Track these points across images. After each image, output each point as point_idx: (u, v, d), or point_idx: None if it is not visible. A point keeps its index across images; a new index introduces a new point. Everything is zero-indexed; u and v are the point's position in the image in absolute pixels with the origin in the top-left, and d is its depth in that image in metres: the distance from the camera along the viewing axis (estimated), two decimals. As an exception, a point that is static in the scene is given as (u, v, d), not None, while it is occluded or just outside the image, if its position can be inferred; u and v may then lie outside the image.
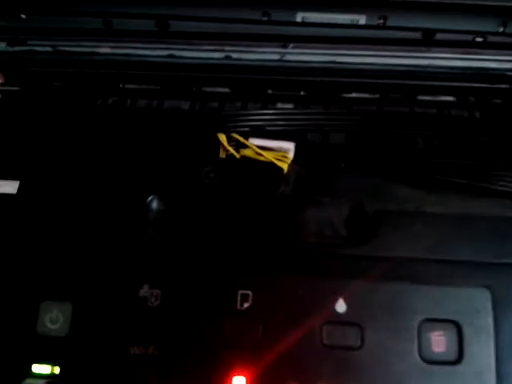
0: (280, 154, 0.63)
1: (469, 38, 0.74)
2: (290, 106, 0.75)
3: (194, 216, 0.62)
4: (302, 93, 0.76)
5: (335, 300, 0.56)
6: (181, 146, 0.66)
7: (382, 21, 0.73)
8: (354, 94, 0.76)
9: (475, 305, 0.55)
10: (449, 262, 0.57)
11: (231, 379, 0.54)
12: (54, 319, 0.57)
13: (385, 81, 0.74)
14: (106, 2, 0.75)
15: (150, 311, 0.56)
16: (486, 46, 0.74)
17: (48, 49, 0.77)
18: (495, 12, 0.71)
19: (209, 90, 0.78)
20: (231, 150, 0.64)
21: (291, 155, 0.63)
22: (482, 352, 0.54)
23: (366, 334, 0.55)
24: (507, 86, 0.74)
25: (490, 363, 0.54)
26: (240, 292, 0.56)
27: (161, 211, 0.63)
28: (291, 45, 0.76)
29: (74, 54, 0.77)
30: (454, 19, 0.73)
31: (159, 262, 0.58)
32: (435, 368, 0.54)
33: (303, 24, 0.75)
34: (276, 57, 0.76)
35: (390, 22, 0.74)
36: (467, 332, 0.54)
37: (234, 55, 0.76)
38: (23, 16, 0.77)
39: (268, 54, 0.76)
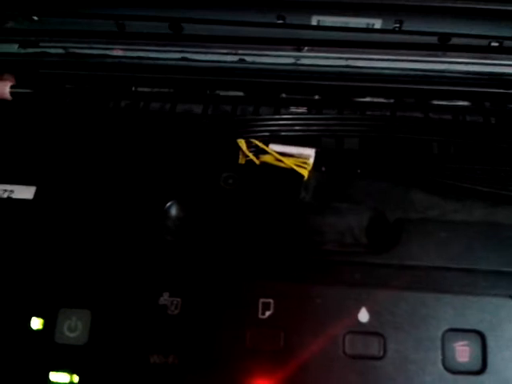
0: (300, 160, 0.63)
1: (485, 42, 0.74)
2: (303, 110, 0.74)
3: (213, 222, 0.61)
4: (316, 97, 0.74)
5: (358, 309, 0.55)
6: (199, 152, 0.65)
7: (397, 25, 0.73)
8: (368, 99, 0.74)
9: (499, 314, 0.55)
10: (473, 270, 0.56)
11: (253, 389, 0.53)
12: (73, 327, 0.56)
13: (399, 85, 0.73)
14: (118, 4, 0.74)
15: (170, 319, 0.55)
16: (502, 51, 0.73)
17: (60, 51, 0.77)
18: (511, 17, 0.70)
19: (222, 93, 0.77)
20: (251, 155, 0.63)
21: (311, 161, 0.63)
22: (506, 362, 0.54)
23: (389, 343, 0.54)
24: (523, 92, 0.73)
25: None
26: (261, 300, 0.56)
27: (180, 217, 0.62)
28: (306, 48, 0.75)
29: (87, 56, 0.77)
30: (470, 24, 0.73)
31: (179, 269, 0.57)
32: (459, 378, 0.53)
33: (318, 27, 0.75)
34: (290, 60, 0.76)
35: (405, 27, 0.74)
36: (491, 342, 0.54)
37: (248, 58, 0.75)
38: (35, 18, 0.76)
39: (282, 58, 0.76)
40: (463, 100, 0.76)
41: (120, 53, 0.76)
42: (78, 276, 0.58)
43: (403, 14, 0.73)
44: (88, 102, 0.77)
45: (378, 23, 0.73)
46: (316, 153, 0.64)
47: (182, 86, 0.77)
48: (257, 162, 0.64)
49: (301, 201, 0.62)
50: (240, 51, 0.76)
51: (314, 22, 0.75)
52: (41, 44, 0.77)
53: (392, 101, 0.75)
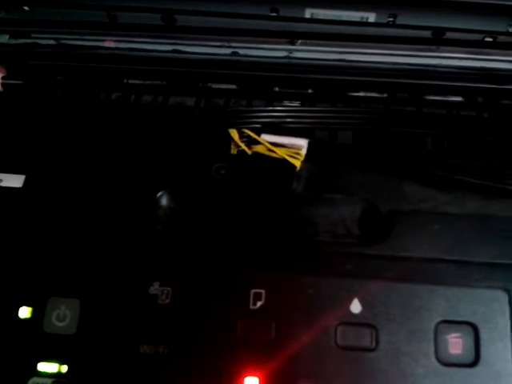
0: (293, 150, 0.62)
1: (478, 37, 0.73)
2: (296, 104, 0.73)
3: (204, 213, 0.61)
4: (309, 91, 0.74)
5: (350, 300, 0.55)
6: (191, 142, 0.64)
7: (391, 19, 0.72)
8: (361, 93, 0.74)
9: (492, 307, 0.54)
10: (466, 263, 0.56)
11: (243, 380, 0.53)
12: (62, 316, 0.55)
13: (393, 80, 0.73)
14: (110, -6, 0.73)
15: (161, 309, 0.55)
16: (496, 46, 0.73)
17: (51, 42, 0.76)
18: (505, 12, 0.70)
19: (214, 86, 0.76)
20: (243, 146, 0.63)
21: (304, 152, 0.62)
22: (499, 354, 0.53)
23: (381, 335, 0.54)
24: (516, 87, 0.72)
25: (507, 366, 0.53)
26: (253, 291, 0.55)
27: (170, 207, 0.62)
28: (299, 41, 0.75)
29: (78, 47, 0.76)
30: (464, 18, 0.72)
31: (170, 259, 0.57)
32: (451, 370, 0.53)
33: (312, 20, 0.74)
34: (283, 54, 0.75)
35: (399, 20, 0.73)
36: (484, 334, 0.54)
37: (241, 51, 0.75)
38: (26, 8, 0.75)
39: (275, 51, 0.75)
40: (456, 95, 0.74)
41: (112, 44, 0.76)
42: (67, 265, 0.57)
43: (397, 7, 0.72)
44: (79, 93, 0.75)
45: (371, 17, 0.73)
46: (309, 144, 0.63)
47: (175, 78, 0.76)
48: (249, 152, 0.64)
49: (293, 191, 0.62)
50: (233, 44, 0.75)
51: (307, 15, 0.74)
52: (32, 35, 0.76)
53: (385, 95, 0.74)
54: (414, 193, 0.61)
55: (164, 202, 0.61)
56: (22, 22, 0.76)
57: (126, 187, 0.61)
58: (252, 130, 0.65)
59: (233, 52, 0.75)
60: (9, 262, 0.57)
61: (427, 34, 0.74)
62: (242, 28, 0.74)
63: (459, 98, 0.74)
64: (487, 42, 0.73)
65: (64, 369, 0.54)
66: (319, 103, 0.73)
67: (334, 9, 0.73)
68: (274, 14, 0.74)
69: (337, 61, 0.75)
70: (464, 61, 0.74)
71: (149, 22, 0.75)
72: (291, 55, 0.75)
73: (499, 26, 0.72)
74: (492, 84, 0.73)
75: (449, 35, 0.73)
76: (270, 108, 0.69)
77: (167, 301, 0.55)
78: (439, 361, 0.53)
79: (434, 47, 0.74)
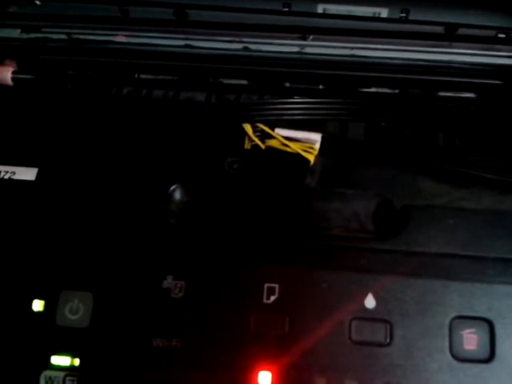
0: (306, 145, 0.62)
1: (491, 33, 0.73)
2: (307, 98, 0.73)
3: (217, 207, 0.61)
4: (320, 86, 0.73)
5: (364, 295, 0.54)
6: (205, 136, 0.64)
7: (404, 14, 0.72)
8: (373, 89, 0.74)
9: (508, 302, 0.54)
10: (480, 258, 0.56)
11: (257, 374, 0.53)
12: (75, 310, 0.55)
13: (405, 76, 0.72)
14: (123, -11, 0.73)
15: (174, 303, 0.55)
16: (509, 43, 0.73)
17: (62, 36, 0.76)
18: (519, 8, 0.69)
19: (225, 81, 0.76)
20: (256, 140, 0.63)
21: (318, 146, 0.62)
22: None
23: (396, 330, 0.53)
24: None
25: None
26: (266, 285, 0.55)
27: (184, 201, 0.61)
28: (311, 37, 0.74)
29: (89, 42, 0.76)
30: (477, 14, 0.72)
31: (184, 252, 0.56)
32: (466, 366, 0.52)
33: (324, 16, 0.74)
34: (295, 49, 0.74)
35: (412, 16, 0.73)
36: (500, 330, 0.53)
37: (253, 46, 0.74)
38: (38, 2, 0.76)
39: (287, 46, 0.75)
40: (469, 91, 0.74)
41: (123, 39, 0.75)
42: (80, 258, 0.57)
43: (410, 3, 0.72)
44: (90, 88, 0.75)
45: (384, 12, 0.73)
46: (322, 138, 0.63)
47: (186, 73, 0.76)
48: (262, 146, 0.63)
49: (306, 186, 0.61)
50: (244, 39, 0.75)
51: (319, 10, 0.74)
52: (43, 29, 0.76)
53: (397, 91, 0.74)
54: (429, 188, 0.60)
55: (177, 195, 0.61)
56: (34, 16, 0.76)
57: (140, 181, 0.60)
58: (265, 124, 0.64)
59: (244, 47, 0.74)
60: (22, 255, 0.57)
61: (440, 29, 0.73)
62: (254, 23, 0.74)
63: (472, 95, 0.73)
64: (500, 38, 0.72)
65: (77, 362, 0.54)
66: (331, 99, 0.72)
67: (347, 4, 0.73)
68: (286, 9, 0.74)
69: (349, 56, 0.74)
70: (477, 57, 0.73)
71: (161, 16, 0.74)
72: (303, 50, 0.74)
73: (512, 22, 0.71)
74: (505, 80, 0.72)
75: (461, 31, 0.73)
76: (284, 100, 0.68)
77: (180, 294, 0.55)
78: (454, 356, 0.53)
79: (446, 43, 0.74)
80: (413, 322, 0.54)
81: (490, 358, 0.53)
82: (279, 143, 0.63)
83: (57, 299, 0.56)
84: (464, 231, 0.57)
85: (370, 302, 0.55)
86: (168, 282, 0.56)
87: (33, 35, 0.76)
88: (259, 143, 0.63)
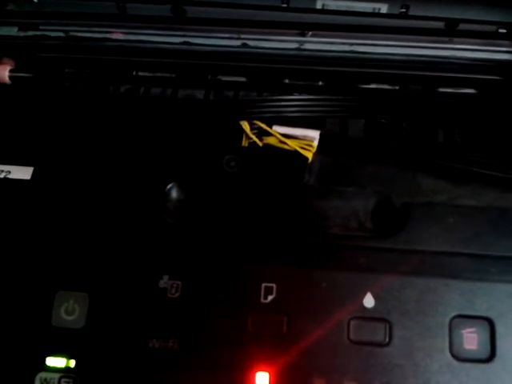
0: (304, 142, 0.61)
1: (492, 28, 0.72)
2: (306, 95, 0.72)
3: (215, 205, 0.60)
4: (319, 83, 0.73)
5: (363, 294, 0.54)
6: (201, 134, 0.64)
7: (404, 10, 0.71)
8: (372, 85, 0.73)
9: (509, 301, 0.53)
10: (482, 256, 0.55)
11: (254, 375, 0.52)
12: (70, 310, 0.54)
13: (405, 72, 0.72)
14: (120, -15, 0.72)
15: (170, 303, 0.54)
16: (510, 38, 0.72)
17: (60, 34, 0.76)
18: (520, 2, 0.68)
19: (224, 78, 0.75)
20: (254, 137, 0.62)
21: (316, 144, 0.61)
22: None
23: (395, 330, 0.53)
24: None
25: None
26: (264, 284, 0.54)
27: (180, 200, 0.61)
28: (310, 33, 0.74)
29: (87, 39, 0.75)
30: (478, 9, 0.72)
31: (180, 252, 0.56)
32: (467, 366, 0.52)
33: (323, 11, 0.73)
34: (294, 45, 0.74)
35: (412, 11, 0.72)
36: (500, 329, 0.53)
37: (251, 43, 0.74)
38: (35, 0, 0.74)
39: (286, 43, 0.74)
40: (470, 87, 0.73)
41: (121, 36, 0.75)
42: (75, 258, 0.56)
43: (409, -2, 0.70)
44: (88, 86, 0.75)
45: (383, 7, 0.72)
46: (320, 135, 0.62)
47: (184, 70, 0.75)
48: (260, 144, 0.63)
49: (305, 184, 0.61)
50: (243, 35, 0.74)
51: (318, 6, 0.73)
52: (41, 27, 0.76)
53: (397, 88, 0.73)
54: (429, 185, 0.60)
55: (174, 194, 0.60)
56: (31, 13, 0.75)
57: (136, 179, 0.60)
58: (263, 121, 0.63)
59: (243, 44, 0.74)
60: (17, 255, 0.56)
61: (440, 25, 0.73)
62: (253, 19, 0.73)
63: (472, 90, 0.72)
64: (501, 33, 0.71)
65: (72, 363, 0.53)
66: (329, 96, 0.71)
67: (346, -1, 0.71)
68: (284, 5, 0.73)
69: (348, 52, 0.73)
70: (477, 52, 0.73)
71: (158, 13, 0.73)
72: (302, 47, 0.74)
73: (513, 17, 0.70)
74: (505, 76, 0.71)
75: (462, 26, 0.72)
76: (281, 97, 0.68)
77: (177, 294, 0.54)
78: (454, 356, 0.52)
79: (446, 39, 0.73)
80: (412, 322, 0.53)
81: (490, 357, 0.52)
82: (277, 140, 0.62)
83: (52, 300, 0.55)
84: (465, 229, 0.57)
85: (368, 301, 0.54)
86: (164, 281, 0.55)
87: (30, 33, 0.76)
88: (257, 141, 0.62)
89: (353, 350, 0.53)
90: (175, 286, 0.55)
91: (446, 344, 0.52)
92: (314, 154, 0.61)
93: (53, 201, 0.59)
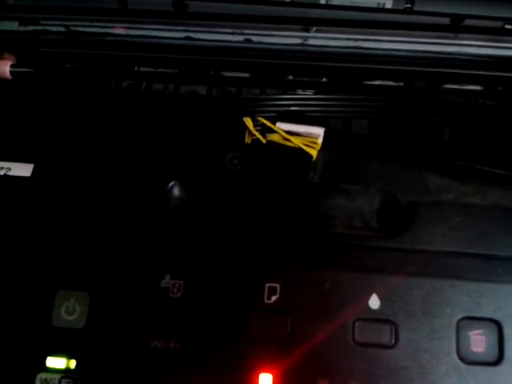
0: (309, 139, 0.61)
1: (498, 24, 0.71)
2: (310, 92, 0.72)
3: (217, 204, 0.59)
4: (323, 79, 0.72)
5: (368, 295, 0.53)
6: (204, 131, 0.63)
7: (409, 5, 0.70)
8: (377, 82, 0.72)
9: None
10: (489, 256, 0.54)
11: (257, 376, 0.51)
12: (71, 310, 0.54)
13: (410, 68, 0.71)
14: (121, -21, 0.71)
15: (172, 303, 0.53)
16: (517, 34, 0.70)
17: (61, 29, 0.75)
18: (527, -2, 0.67)
19: (227, 74, 0.75)
20: (257, 134, 0.61)
21: (320, 141, 0.61)
22: None
23: (401, 331, 0.52)
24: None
25: None
26: (267, 285, 0.53)
27: (182, 198, 0.60)
28: (314, 28, 0.73)
29: (88, 34, 0.74)
30: (484, 5, 0.71)
31: (182, 251, 0.55)
32: (474, 369, 0.51)
33: (327, 6, 0.73)
34: (298, 41, 0.73)
35: (417, 7, 0.71)
36: (508, 331, 0.52)
37: (254, 38, 0.73)
38: (35, -7, 0.73)
39: (290, 38, 0.73)
40: (475, 84, 0.73)
41: (122, 31, 0.74)
42: (76, 257, 0.55)
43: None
44: (89, 81, 0.74)
45: (388, 3, 0.71)
46: (325, 132, 0.61)
47: (186, 66, 0.75)
48: (263, 141, 0.62)
49: (309, 182, 0.60)
50: (246, 31, 0.73)
51: (322, 1, 0.72)
52: (41, 22, 0.75)
53: (402, 84, 0.72)
54: (435, 183, 0.59)
55: (176, 192, 0.60)
56: (31, 8, 0.74)
57: (137, 177, 0.59)
58: (266, 118, 0.62)
59: (246, 39, 0.73)
60: (17, 253, 0.56)
61: (445, 20, 0.72)
62: (256, 14, 0.72)
63: (478, 87, 0.71)
64: (507, 29, 0.70)
65: (73, 364, 0.52)
66: (334, 92, 0.71)
67: (350, -7, 0.70)
68: (288, 0, 0.72)
69: (352, 48, 0.73)
70: (483, 49, 0.72)
71: (160, 8, 0.72)
72: (306, 42, 0.73)
73: (520, 14, 0.69)
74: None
75: (468, 22, 0.71)
76: (285, 96, 0.67)
77: (179, 294, 0.54)
78: (461, 359, 0.51)
79: (452, 34, 0.72)
80: (418, 323, 0.52)
81: (498, 360, 0.52)
82: (280, 138, 0.61)
83: (53, 299, 0.54)
84: (471, 229, 0.56)
85: (374, 302, 0.53)
86: (166, 281, 0.54)
87: (31, 27, 0.75)
88: (260, 137, 0.61)
89: (358, 351, 0.52)
90: (177, 285, 0.54)
91: (453, 346, 0.52)
92: (319, 152, 0.60)
93: (53, 199, 0.59)
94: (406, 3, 0.71)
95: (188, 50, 0.74)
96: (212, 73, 0.74)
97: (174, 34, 0.74)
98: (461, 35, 0.72)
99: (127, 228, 0.56)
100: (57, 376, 0.52)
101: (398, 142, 0.63)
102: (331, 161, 0.61)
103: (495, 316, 0.52)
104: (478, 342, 0.52)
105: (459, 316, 0.52)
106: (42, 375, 0.52)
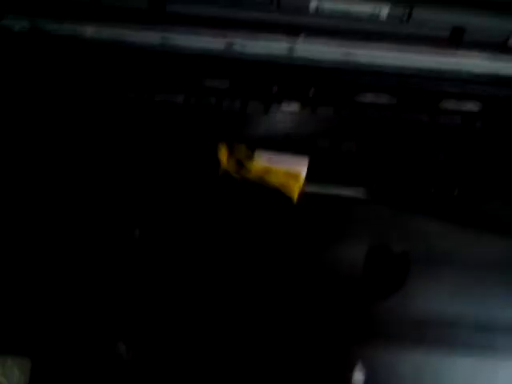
0: (291, 172, 0.56)
1: (500, 39, 0.66)
2: (296, 106, 0.67)
3: None
4: (310, 94, 0.67)
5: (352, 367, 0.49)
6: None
7: (405, 16, 0.66)
8: (368, 97, 0.67)
9: None
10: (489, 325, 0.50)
11: None
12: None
13: (403, 84, 0.66)
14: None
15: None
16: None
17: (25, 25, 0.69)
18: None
19: (207, 83, 0.69)
20: (230, 168, 0.56)
21: (303, 174, 0.58)
22: None
23: None
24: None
25: None
26: None
27: None
28: (302, 37, 0.68)
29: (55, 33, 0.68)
30: (485, 17, 0.66)
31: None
32: None
33: (317, 14, 0.67)
34: (284, 50, 0.68)
35: (414, 18, 0.66)
36: None
37: (237, 45, 0.68)
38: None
39: (275, 46, 0.68)
40: (473, 100, 0.69)
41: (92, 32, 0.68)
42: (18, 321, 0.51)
43: (412, 2, 0.65)
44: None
45: (385, 9, 0.66)
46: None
47: (162, 72, 0.69)
48: (237, 177, 0.57)
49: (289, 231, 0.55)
50: (228, 36, 0.68)
51: (312, 7, 0.67)
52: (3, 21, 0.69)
53: (395, 101, 0.67)
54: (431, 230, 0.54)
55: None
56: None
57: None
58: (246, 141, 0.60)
59: (228, 45, 0.68)
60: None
61: (445, 33, 0.67)
62: (240, 19, 0.68)
63: (476, 108, 0.67)
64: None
65: None
66: (321, 107, 0.65)
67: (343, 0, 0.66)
68: (274, 5, 0.67)
69: (343, 60, 0.68)
70: (484, 62, 0.68)
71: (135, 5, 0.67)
72: (292, 52, 0.68)
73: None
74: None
75: (468, 35, 0.67)
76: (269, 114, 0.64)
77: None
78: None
79: (451, 48, 0.68)
80: None
81: None
82: (259, 172, 0.56)
83: None
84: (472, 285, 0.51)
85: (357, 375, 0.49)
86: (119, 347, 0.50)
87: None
88: (232, 173, 0.56)
89: None
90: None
91: None
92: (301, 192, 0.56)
93: None
94: (403, 13, 0.66)
95: (164, 55, 0.69)
96: (190, 81, 0.70)
97: (149, 37, 0.69)
98: (461, 49, 0.68)
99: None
100: None
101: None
102: (316, 205, 0.56)
103: None
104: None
105: None
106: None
